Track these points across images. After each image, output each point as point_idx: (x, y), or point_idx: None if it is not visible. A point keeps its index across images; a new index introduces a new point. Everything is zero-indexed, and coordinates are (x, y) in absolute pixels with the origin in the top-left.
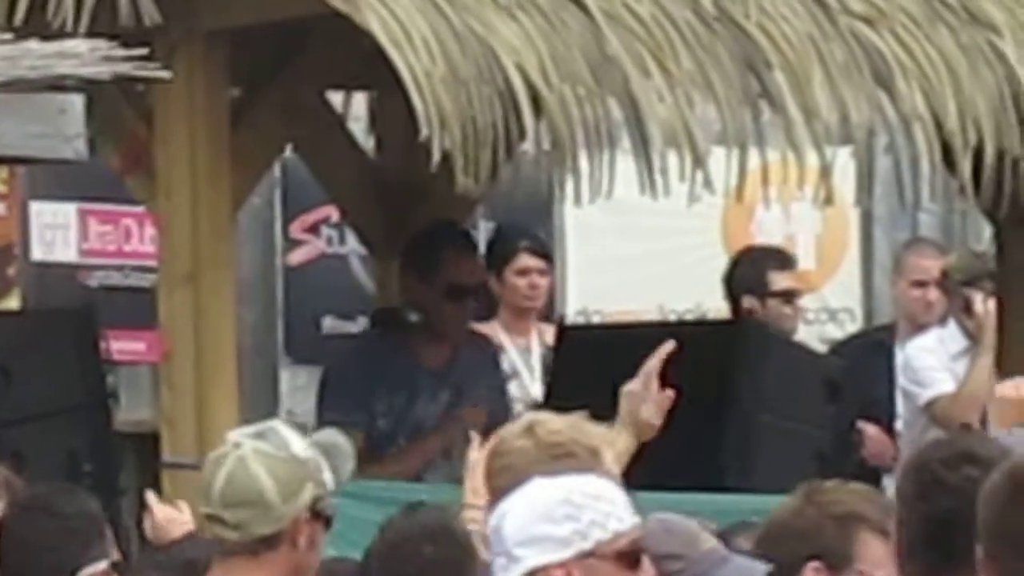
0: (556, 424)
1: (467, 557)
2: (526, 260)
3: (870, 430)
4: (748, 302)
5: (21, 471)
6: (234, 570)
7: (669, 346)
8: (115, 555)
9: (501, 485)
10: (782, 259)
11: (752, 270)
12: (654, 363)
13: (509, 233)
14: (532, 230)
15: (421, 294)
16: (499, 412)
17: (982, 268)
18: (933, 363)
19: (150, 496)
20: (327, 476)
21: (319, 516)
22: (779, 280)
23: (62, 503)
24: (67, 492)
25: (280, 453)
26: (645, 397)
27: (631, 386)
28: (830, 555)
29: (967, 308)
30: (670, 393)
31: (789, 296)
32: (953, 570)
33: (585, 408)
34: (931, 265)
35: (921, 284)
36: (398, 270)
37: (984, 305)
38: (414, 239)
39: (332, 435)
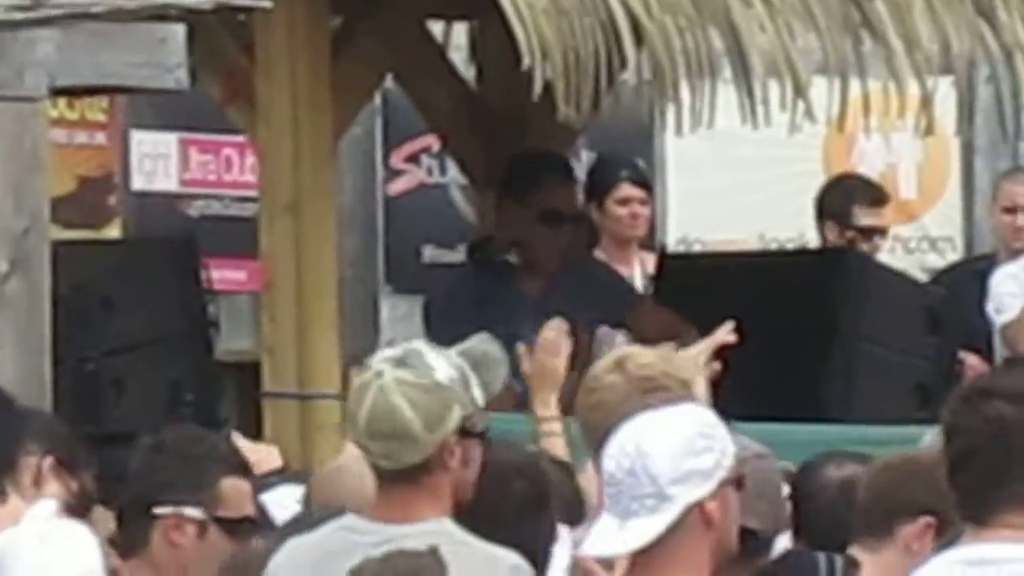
0: (646, 358)
1: (551, 488)
2: (627, 189)
3: (971, 360)
4: (830, 231)
5: (121, 399)
6: (392, 493)
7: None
8: None
9: (594, 420)
10: (872, 194)
11: (839, 199)
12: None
13: (609, 162)
14: (633, 160)
15: (517, 218)
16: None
17: None
18: (1013, 288)
19: (237, 437)
20: (476, 392)
21: (470, 434)
22: (863, 216)
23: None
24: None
25: (422, 381)
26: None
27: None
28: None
29: None
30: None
31: (870, 233)
32: (998, 509)
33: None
34: (1020, 191)
35: (1011, 210)
36: (496, 198)
37: None
38: (513, 163)
39: (483, 344)
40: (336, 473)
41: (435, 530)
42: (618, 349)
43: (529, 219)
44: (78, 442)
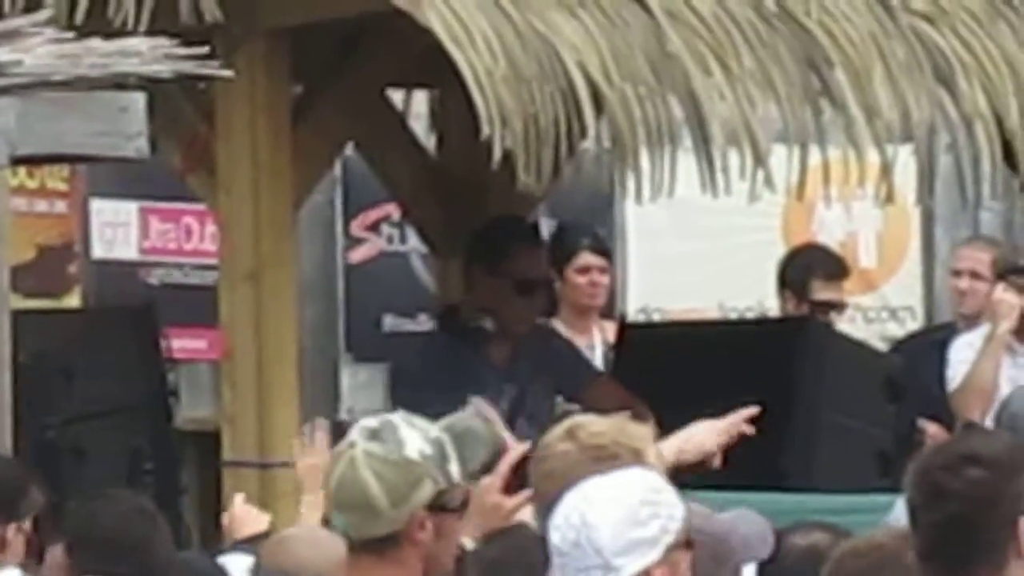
0: (598, 426)
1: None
2: (587, 258)
3: (932, 428)
4: (789, 301)
5: (81, 467)
6: (359, 563)
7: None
8: None
9: (544, 489)
10: (830, 268)
11: (797, 272)
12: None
13: (570, 231)
14: (593, 228)
15: (490, 289)
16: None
17: (1016, 263)
18: (966, 356)
19: (239, 497)
20: (453, 467)
21: (444, 509)
22: (820, 289)
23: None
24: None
25: (391, 456)
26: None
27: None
28: None
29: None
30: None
31: (826, 307)
32: (967, 574)
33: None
34: (970, 255)
35: (957, 273)
36: (464, 263)
37: (1002, 294)
38: (482, 232)
39: (467, 420)
40: (288, 542)
41: None
42: (570, 419)
43: (503, 289)
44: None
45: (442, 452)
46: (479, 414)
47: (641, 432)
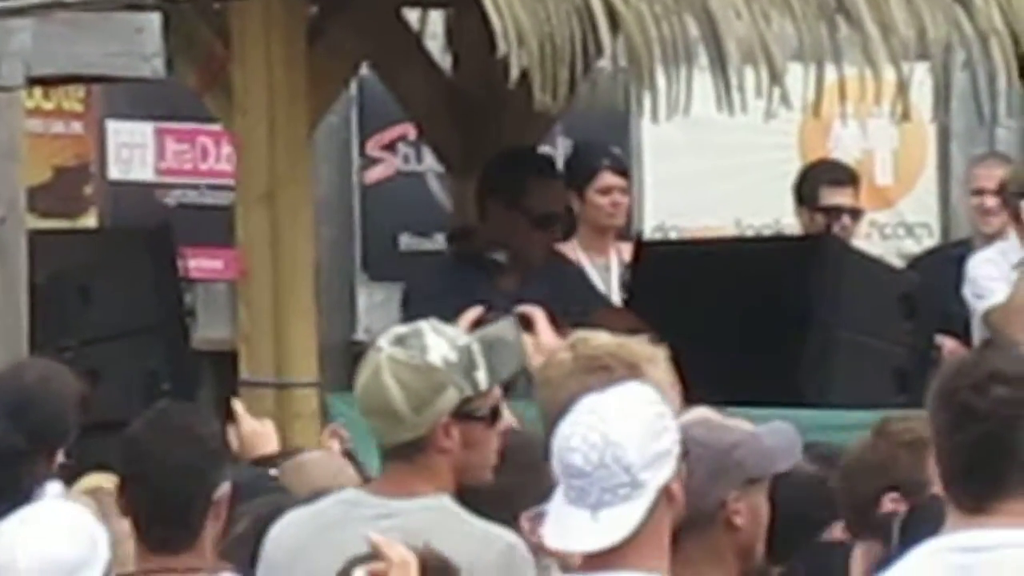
0: (599, 340)
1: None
2: (608, 178)
3: (948, 344)
4: (802, 215)
5: (97, 389)
6: (391, 470)
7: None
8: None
9: (542, 397)
10: (836, 174)
11: (807, 184)
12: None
13: (588, 151)
14: (610, 147)
15: (507, 220)
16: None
17: None
18: (991, 272)
19: (238, 406)
20: (480, 376)
21: (471, 417)
22: (827, 195)
23: (200, 424)
24: (195, 412)
25: (413, 361)
26: None
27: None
28: (906, 484)
29: (1017, 217)
30: None
31: (836, 212)
32: (999, 497)
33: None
34: (987, 174)
35: (978, 192)
36: (479, 194)
37: None
38: (497, 164)
39: (501, 329)
40: (306, 465)
41: (432, 506)
42: (582, 332)
43: (519, 223)
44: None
45: (469, 359)
46: (512, 324)
47: (645, 351)
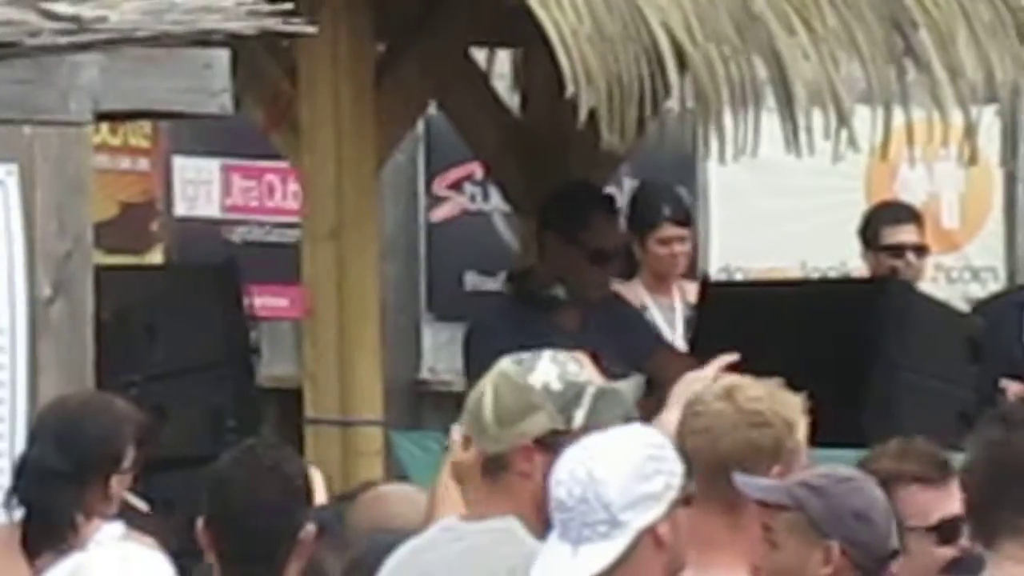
0: (756, 391)
1: None
2: (669, 230)
3: (1013, 387)
4: (866, 258)
5: (163, 426)
6: (479, 491)
7: (730, 358)
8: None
9: (697, 445)
10: (898, 213)
11: (869, 226)
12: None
13: (652, 196)
14: (674, 193)
15: (564, 255)
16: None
17: None
18: None
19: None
20: (579, 415)
21: (555, 449)
22: (888, 234)
23: (287, 462)
24: (281, 449)
25: (516, 378)
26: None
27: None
28: None
29: None
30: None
31: (899, 251)
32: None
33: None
34: None
35: None
36: (537, 228)
37: None
38: (556, 199)
39: (626, 385)
40: (384, 497)
41: (498, 527)
42: (729, 377)
43: (578, 258)
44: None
45: (575, 395)
46: (639, 385)
47: (794, 402)
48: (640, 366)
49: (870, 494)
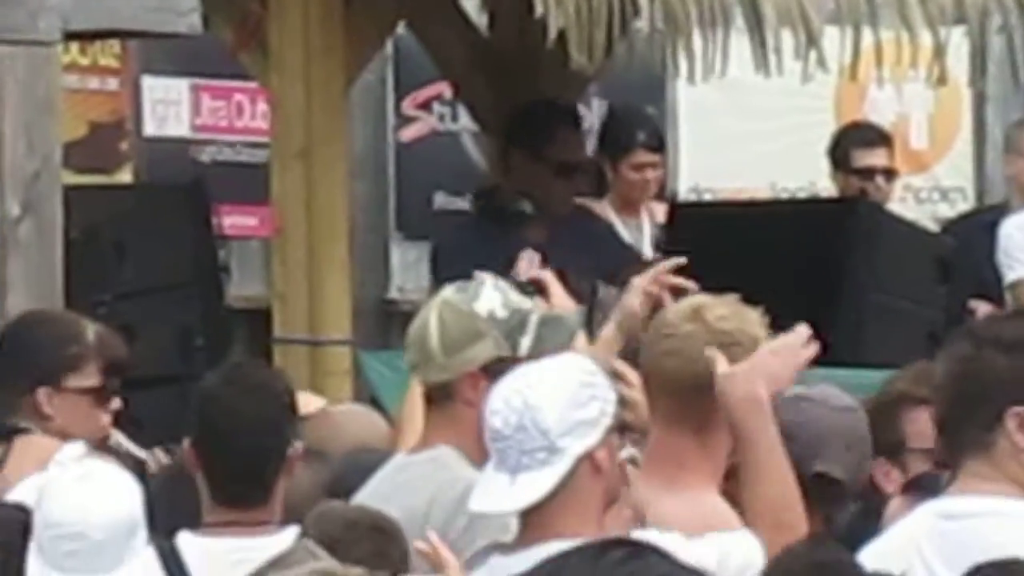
0: (721, 310)
1: None
2: (642, 155)
3: (983, 308)
4: (836, 179)
5: (132, 344)
6: (428, 420)
7: (677, 261)
8: None
9: (670, 367)
10: (866, 135)
11: (839, 147)
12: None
13: (625, 121)
14: (648, 118)
15: (530, 170)
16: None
17: None
18: (1020, 242)
19: None
20: (525, 342)
21: (497, 377)
22: (859, 157)
23: (273, 380)
24: (265, 367)
25: (460, 306)
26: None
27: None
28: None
29: None
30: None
31: (869, 174)
32: (962, 455)
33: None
34: None
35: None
36: (503, 146)
37: None
38: (521, 115)
39: (568, 315)
40: (336, 417)
41: (431, 457)
42: (690, 297)
43: (544, 172)
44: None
45: (520, 322)
46: (579, 316)
47: (756, 318)
48: (613, 279)
49: (809, 414)
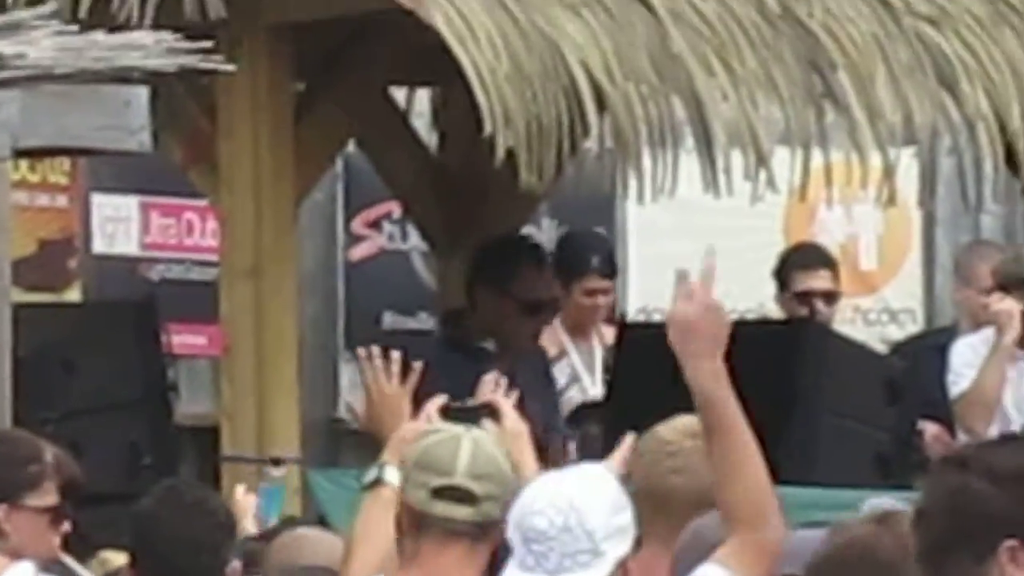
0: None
1: None
2: (595, 282)
3: (931, 428)
4: (782, 301)
5: (80, 462)
6: (449, 555)
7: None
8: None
9: (677, 484)
10: (807, 257)
11: (783, 269)
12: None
13: (580, 245)
14: (603, 240)
15: (495, 308)
16: (551, 425)
17: (1016, 272)
18: (968, 359)
19: (240, 489)
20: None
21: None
22: (800, 280)
23: (210, 499)
24: (204, 487)
25: (501, 446)
26: None
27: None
28: None
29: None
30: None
31: (807, 297)
32: None
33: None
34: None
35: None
36: (468, 280)
37: (1002, 304)
38: (487, 251)
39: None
40: (301, 540)
41: None
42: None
43: (508, 309)
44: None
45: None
46: None
47: None
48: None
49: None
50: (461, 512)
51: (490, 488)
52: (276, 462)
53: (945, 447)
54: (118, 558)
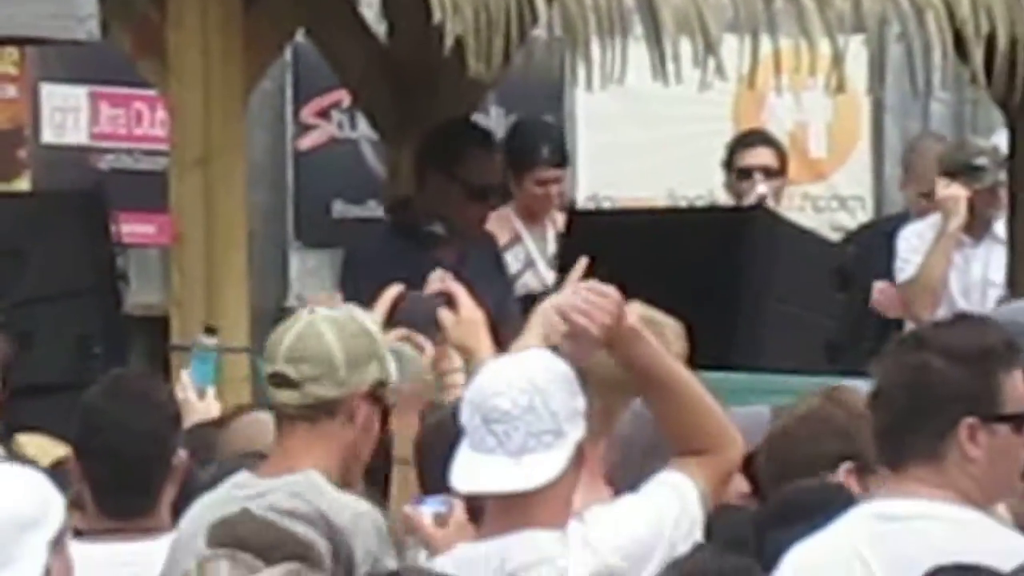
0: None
1: None
2: (546, 172)
3: (880, 284)
4: (727, 186)
5: (30, 352)
6: (292, 438)
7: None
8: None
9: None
10: (747, 137)
11: (727, 152)
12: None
13: (531, 135)
14: (553, 129)
15: (444, 191)
16: (504, 311)
17: (961, 159)
18: (915, 246)
19: (185, 377)
20: (391, 368)
21: (378, 401)
22: (740, 158)
23: (155, 390)
24: (148, 377)
25: (351, 324)
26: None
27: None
28: (862, 455)
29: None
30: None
31: (747, 172)
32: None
33: None
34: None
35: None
36: (416, 165)
37: (947, 191)
38: (436, 135)
39: (399, 346)
40: (256, 423)
41: (299, 481)
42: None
43: (457, 194)
44: None
45: (388, 350)
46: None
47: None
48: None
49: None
50: (285, 396)
51: (307, 370)
52: (210, 330)
53: (891, 301)
54: (33, 442)
